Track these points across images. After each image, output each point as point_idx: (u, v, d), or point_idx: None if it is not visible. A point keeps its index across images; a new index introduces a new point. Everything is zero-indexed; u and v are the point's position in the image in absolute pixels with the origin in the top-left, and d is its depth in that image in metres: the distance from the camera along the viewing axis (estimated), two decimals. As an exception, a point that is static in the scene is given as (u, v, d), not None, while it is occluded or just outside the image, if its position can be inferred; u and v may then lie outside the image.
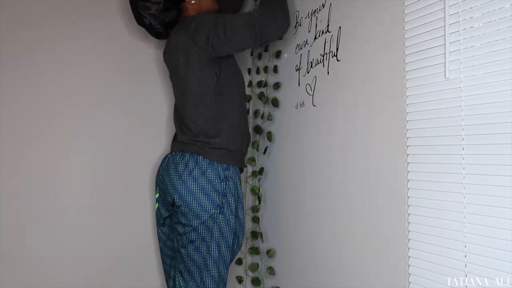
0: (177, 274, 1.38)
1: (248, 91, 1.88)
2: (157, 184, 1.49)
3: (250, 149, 1.85)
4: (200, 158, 1.36)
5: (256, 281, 1.76)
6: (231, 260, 1.43)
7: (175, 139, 1.52)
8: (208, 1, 1.52)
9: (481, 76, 0.94)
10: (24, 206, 1.51)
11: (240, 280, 1.80)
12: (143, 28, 1.56)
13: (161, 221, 1.50)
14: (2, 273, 1.47)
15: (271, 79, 1.74)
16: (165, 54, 1.53)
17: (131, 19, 1.60)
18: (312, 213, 1.47)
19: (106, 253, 1.63)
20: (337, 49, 1.38)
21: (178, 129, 1.49)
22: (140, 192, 1.71)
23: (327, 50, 1.43)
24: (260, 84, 1.80)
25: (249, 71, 1.88)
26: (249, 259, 1.84)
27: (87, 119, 1.62)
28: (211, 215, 1.33)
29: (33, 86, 1.54)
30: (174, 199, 1.35)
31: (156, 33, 1.56)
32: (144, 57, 1.74)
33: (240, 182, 1.45)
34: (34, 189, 1.53)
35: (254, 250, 1.77)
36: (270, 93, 1.74)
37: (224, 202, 1.35)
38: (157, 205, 1.51)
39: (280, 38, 1.59)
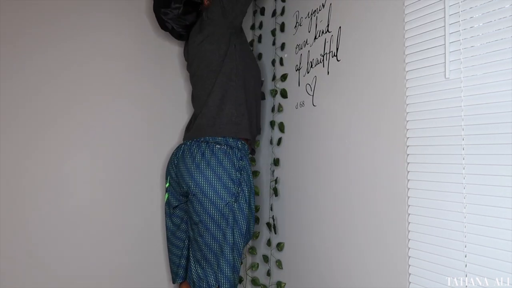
0: (194, 263, 1.43)
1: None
2: (168, 173, 1.52)
3: (250, 149, 1.86)
4: (217, 147, 1.41)
5: (256, 281, 1.76)
6: (244, 247, 1.48)
7: (189, 128, 1.55)
8: None
9: (481, 76, 0.94)
10: (30, 203, 1.51)
11: (240, 280, 1.80)
12: (155, 24, 1.66)
13: (170, 210, 1.54)
14: (3, 273, 1.47)
15: (278, 71, 1.75)
16: (186, 49, 1.62)
17: (139, 13, 1.65)
18: (312, 213, 1.47)
19: (115, 251, 1.63)
20: (337, 49, 1.38)
21: (196, 115, 1.53)
22: (150, 190, 1.72)
23: (327, 50, 1.43)
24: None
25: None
26: (249, 259, 1.84)
27: (96, 117, 1.62)
28: (227, 203, 1.37)
29: (39, 84, 1.53)
30: (190, 187, 1.39)
31: (179, 35, 1.65)
32: (164, 53, 1.77)
33: (251, 173, 1.49)
34: (39, 187, 1.52)
35: (253, 250, 1.77)
36: (279, 85, 1.74)
37: (239, 191, 1.40)
38: (167, 195, 1.54)
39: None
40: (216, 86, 1.46)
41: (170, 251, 1.56)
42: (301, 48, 1.57)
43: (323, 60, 1.44)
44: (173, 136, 1.78)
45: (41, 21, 1.55)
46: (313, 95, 1.49)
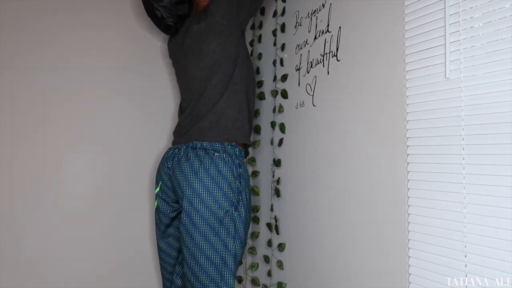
0: (192, 279, 1.33)
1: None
2: (160, 179, 1.46)
3: (250, 149, 1.85)
4: (216, 155, 1.36)
5: (256, 281, 1.76)
6: (242, 254, 1.44)
7: (183, 132, 1.47)
8: None
9: (481, 76, 0.94)
10: (24, 205, 1.51)
11: (240, 280, 1.80)
12: (149, 22, 1.57)
13: (162, 227, 1.48)
14: (1, 274, 1.47)
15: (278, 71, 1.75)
16: (176, 45, 1.54)
17: (133, 10, 1.61)
18: (313, 214, 1.47)
19: (107, 252, 1.63)
20: (337, 49, 1.38)
21: (193, 118, 1.44)
22: (144, 190, 1.71)
23: (327, 50, 1.43)
24: (260, 84, 1.80)
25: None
26: (249, 259, 1.84)
27: (89, 116, 1.62)
28: (227, 212, 1.33)
29: (33, 83, 1.54)
30: (187, 195, 1.33)
31: (166, 27, 1.55)
32: (149, 51, 1.74)
33: (249, 180, 1.46)
34: (34, 187, 1.52)
35: (253, 250, 1.77)
36: (279, 86, 1.74)
37: (239, 200, 1.36)
38: (156, 202, 1.49)
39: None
40: (220, 88, 1.41)
41: (161, 266, 1.52)
42: (301, 48, 1.57)
43: (323, 60, 1.44)
44: (163, 135, 1.76)
45: (37, 18, 1.55)
46: (313, 95, 1.49)
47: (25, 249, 1.50)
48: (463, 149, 0.97)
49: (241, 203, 1.37)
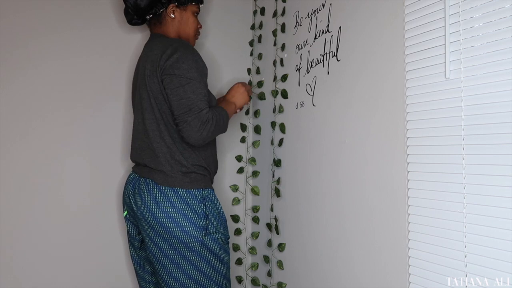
0: None
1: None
2: (125, 203, 1.40)
3: (250, 149, 1.86)
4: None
5: (256, 281, 1.76)
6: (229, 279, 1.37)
7: (136, 157, 1.40)
8: (188, 26, 1.45)
9: (481, 76, 0.94)
10: (20, 206, 1.51)
11: (240, 280, 1.80)
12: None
13: (136, 244, 1.43)
14: (2, 275, 1.47)
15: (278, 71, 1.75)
16: (139, 60, 1.44)
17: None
18: (313, 214, 1.47)
19: (104, 254, 1.63)
20: (337, 49, 1.38)
21: (144, 153, 1.36)
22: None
23: (327, 50, 1.43)
24: (260, 84, 1.80)
25: (249, 71, 1.88)
26: (249, 259, 1.84)
27: (84, 117, 1.61)
28: (198, 239, 1.26)
29: (29, 84, 1.53)
30: (154, 228, 1.27)
31: (130, 19, 1.47)
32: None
33: (217, 200, 1.37)
34: (30, 189, 1.52)
35: (253, 250, 1.77)
36: (279, 86, 1.74)
37: (207, 223, 1.29)
38: (128, 225, 1.43)
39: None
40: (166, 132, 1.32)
41: (139, 284, 1.47)
42: (301, 48, 1.57)
43: (323, 60, 1.44)
44: None
45: (39, 18, 1.55)
46: (313, 95, 1.49)
47: (25, 249, 1.51)
48: (463, 149, 0.97)
49: (210, 225, 1.29)
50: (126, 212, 1.42)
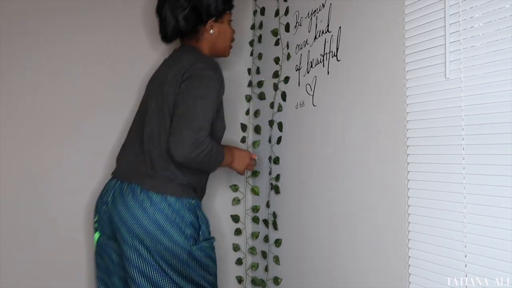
0: None
1: (248, 91, 1.88)
2: (97, 211, 1.34)
3: (250, 148, 1.85)
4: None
5: (256, 281, 1.76)
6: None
7: (124, 162, 1.36)
8: (225, 38, 1.46)
9: (481, 76, 0.94)
10: (19, 208, 1.51)
11: (240, 280, 1.80)
12: (147, 26, 1.57)
13: (107, 249, 1.34)
14: (2, 275, 1.47)
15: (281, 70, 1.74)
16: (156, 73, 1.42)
17: (139, 12, 1.61)
18: (311, 212, 1.47)
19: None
20: (337, 49, 1.38)
21: (138, 157, 1.31)
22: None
23: (327, 50, 1.43)
24: (260, 84, 1.80)
25: (249, 71, 1.88)
26: (249, 259, 1.84)
27: (88, 118, 1.62)
28: (186, 249, 1.22)
29: (32, 85, 1.54)
30: (137, 235, 1.20)
31: (164, 34, 1.43)
32: (154, 53, 1.71)
33: (201, 210, 1.33)
34: (32, 190, 1.52)
35: (253, 250, 1.77)
36: (281, 87, 1.74)
37: (198, 232, 1.26)
38: (97, 234, 1.35)
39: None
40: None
41: None
42: (301, 48, 1.57)
43: (323, 60, 1.44)
44: None
45: (39, 18, 1.55)
46: (313, 95, 1.49)
47: (24, 249, 1.51)
48: (463, 149, 0.97)
49: (200, 233, 1.26)
50: (97, 224, 1.34)
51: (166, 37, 1.43)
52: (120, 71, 1.66)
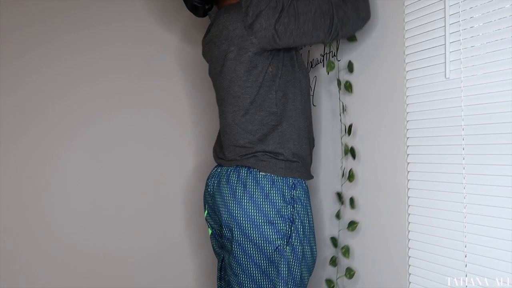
0: None
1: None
2: (206, 201, 1.28)
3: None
4: (261, 175, 1.12)
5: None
6: None
7: (221, 150, 1.27)
8: None
9: (481, 76, 0.94)
10: (26, 207, 1.51)
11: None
12: (158, 15, 1.51)
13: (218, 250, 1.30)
14: (2, 275, 1.47)
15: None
16: (207, 44, 1.24)
17: (145, 7, 1.57)
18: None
19: (105, 255, 1.63)
20: (337, 49, 1.38)
21: (228, 140, 1.21)
22: (146, 191, 1.70)
23: (327, 50, 1.43)
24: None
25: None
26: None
27: (95, 118, 1.61)
28: (277, 248, 1.09)
29: (32, 85, 1.53)
30: (228, 226, 1.13)
31: (192, 6, 1.25)
32: (163, 49, 1.68)
33: (310, 203, 1.19)
34: (36, 190, 1.52)
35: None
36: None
37: (292, 230, 1.11)
38: (210, 230, 1.31)
39: (354, 37, 1.29)
40: (250, 113, 1.18)
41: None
42: (301, 48, 1.57)
43: (323, 60, 1.44)
44: (168, 136, 1.74)
45: (42, 17, 1.55)
46: (313, 95, 1.49)
47: (23, 249, 1.51)
48: (463, 149, 0.97)
49: (295, 233, 1.10)
50: (206, 212, 1.28)
51: (197, 9, 1.25)
52: (124, 72, 1.66)
